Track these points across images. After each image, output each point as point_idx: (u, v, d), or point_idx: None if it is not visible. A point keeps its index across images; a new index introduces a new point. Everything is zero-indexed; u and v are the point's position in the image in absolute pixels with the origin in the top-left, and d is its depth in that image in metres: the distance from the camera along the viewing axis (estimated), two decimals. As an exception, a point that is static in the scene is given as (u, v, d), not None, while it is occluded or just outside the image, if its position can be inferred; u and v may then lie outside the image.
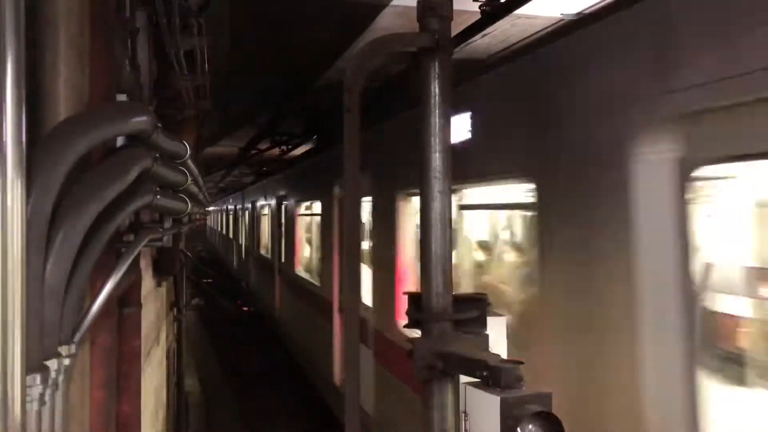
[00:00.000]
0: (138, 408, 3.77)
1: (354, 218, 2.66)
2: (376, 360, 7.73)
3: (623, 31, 3.34)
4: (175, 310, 9.26)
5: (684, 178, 2.82)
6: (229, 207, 35.40)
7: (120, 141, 2.60)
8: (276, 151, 18.08)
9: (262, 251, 20.92)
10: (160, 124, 2.59)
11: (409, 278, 7.01)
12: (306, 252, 14.12)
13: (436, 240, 2.66)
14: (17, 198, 1.55)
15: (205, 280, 30.31)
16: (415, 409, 4.39)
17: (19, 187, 1.56)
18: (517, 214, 5.30)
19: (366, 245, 8.40)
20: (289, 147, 17.31)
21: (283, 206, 16.39)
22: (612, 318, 3.23)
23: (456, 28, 6.13)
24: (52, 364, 1.80)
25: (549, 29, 7.24)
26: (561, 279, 3.78)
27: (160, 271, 6.31)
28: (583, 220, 3.52)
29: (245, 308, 23.73)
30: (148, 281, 5.48)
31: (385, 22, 7.98)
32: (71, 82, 2.15)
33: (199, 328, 20.68)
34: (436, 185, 2.67)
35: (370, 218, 8.51)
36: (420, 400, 2.73)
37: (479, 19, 6.25)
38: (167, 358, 8.01)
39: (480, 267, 6.03)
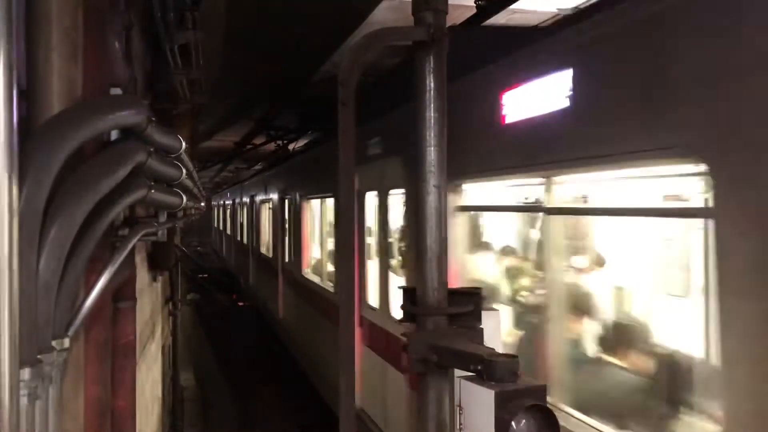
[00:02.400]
0: (133, 402, 3.77)
1: (348, 212, 2.66)
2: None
3: None
4: (170, 304, 9.26)
5: None
6: (240, 200, 25.69)
7: (114, 135, 2.59)
8: (271, 145, 18.07)
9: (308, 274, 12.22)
10: (154, 118, 2.58)
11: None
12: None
13: (431, 234, 2.66)
14: (10, 191, 1.54)
15: (200, 275, 30.36)
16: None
17: (12, 181, 1.55)
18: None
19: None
20: (285, 141, 17.30)
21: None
22: None
23: (452, 22, 6.12)
24: (46, 358, 1.80)
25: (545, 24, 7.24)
26: None
27: (155, 265, 6.30)
28: None
29: (240, 303, 23.74)
30: (143, 276, 5.47)
31: (381, 17, 7.97)
32: (65, 75, 2.14)
33: (195, 322, 20.66)
34: (431, 179, 2.67)
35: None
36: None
37: (474, 14, 6.25)
38: (162, 352, 8.01)
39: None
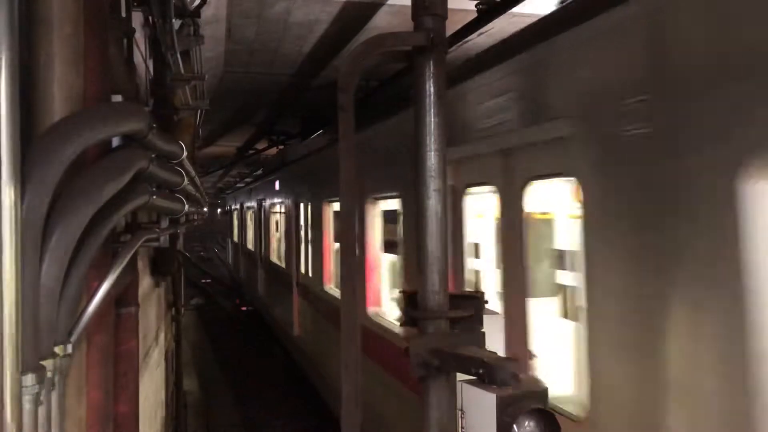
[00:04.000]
0: (136, 408, 3.77)
1: (350, 217, 2.67)
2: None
3: None
4: (173, 310, 9.26)
5: None
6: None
7: (116, 141, 2.61)
8: (273, 150, 18.11)
9: None
10: (155, 125, 2.59)
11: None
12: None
13: (431, 238, 2.66)
14: (12, 197, 1.55)
15: (203, 281, 30.37)
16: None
17: (14, 187, 1.56)
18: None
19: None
20: (287, 146, 17.33)
21: None
22: None
23: (452, 27, 6.12)
24: (48, 363, 1.81)
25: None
26: None
27: (158, 271, 6.32)
28: None
29: (243, 308, 23.73)
30: (145, 281, 5.48)
31: (381, 21, 7.99)
32: (66, 82, 2.15)
33: (198, 327, 20.65)
34: (432, 184, 2.67)
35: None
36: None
37: (475, 18, 6.25)
38: (166, 358, 8.01)
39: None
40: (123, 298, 3.55)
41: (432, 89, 2.67)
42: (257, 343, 18.15)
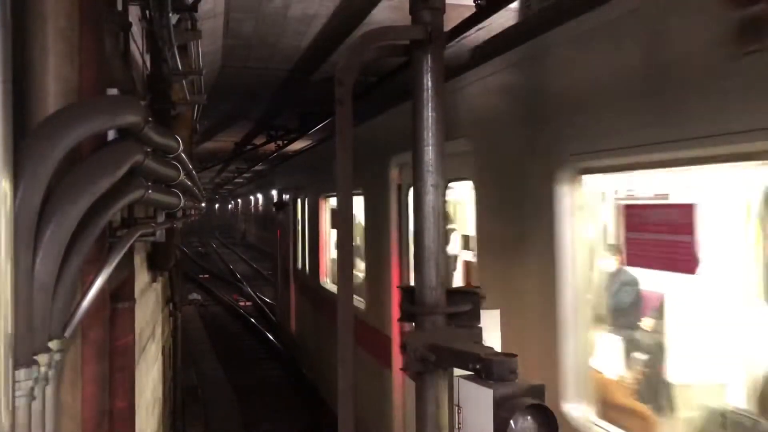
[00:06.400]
0: (132, 403, 3.76)
1: (346, 211, 2.66)
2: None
3: None
4: (170, 305, 9.25)
5: None
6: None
7: (111, 135, 2.59)
8: (271, 146, 18.07)
9: None
10: (151, 119, 2.57)
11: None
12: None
13: (428, 233, 2.65)
14: (5, 191, 1.54)
15: (201, 276, 30.34)
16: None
17: (7, 180, 1.55)
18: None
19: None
20: (285, 142, 17.30)
21: None
22: None
23: (452, 22, 6.10)
24: (42, 358, 1.79)
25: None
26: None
27: (155, 266, 6.30)
28: None
29: (242, 303, 23.73)
30: (142, 276, 5.47)
31: (380, 16, 7.97)
32: (60, 75, 2.13)
33: (196, 323, 20.63)
34: (429, 179, 2.66)
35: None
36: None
37: (474, 13, 6.24)
38: (163, 353, 8.00)
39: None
40: (119, 293, 3.54)
41: (430, 83, 2.66)
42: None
